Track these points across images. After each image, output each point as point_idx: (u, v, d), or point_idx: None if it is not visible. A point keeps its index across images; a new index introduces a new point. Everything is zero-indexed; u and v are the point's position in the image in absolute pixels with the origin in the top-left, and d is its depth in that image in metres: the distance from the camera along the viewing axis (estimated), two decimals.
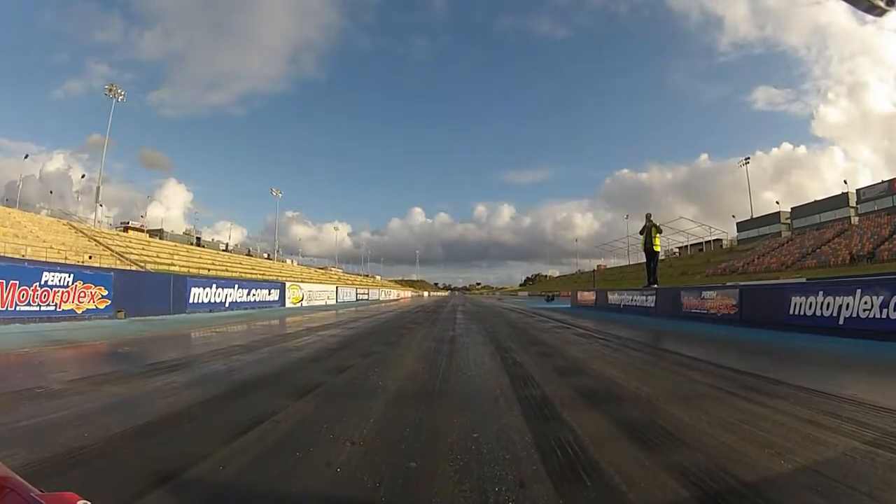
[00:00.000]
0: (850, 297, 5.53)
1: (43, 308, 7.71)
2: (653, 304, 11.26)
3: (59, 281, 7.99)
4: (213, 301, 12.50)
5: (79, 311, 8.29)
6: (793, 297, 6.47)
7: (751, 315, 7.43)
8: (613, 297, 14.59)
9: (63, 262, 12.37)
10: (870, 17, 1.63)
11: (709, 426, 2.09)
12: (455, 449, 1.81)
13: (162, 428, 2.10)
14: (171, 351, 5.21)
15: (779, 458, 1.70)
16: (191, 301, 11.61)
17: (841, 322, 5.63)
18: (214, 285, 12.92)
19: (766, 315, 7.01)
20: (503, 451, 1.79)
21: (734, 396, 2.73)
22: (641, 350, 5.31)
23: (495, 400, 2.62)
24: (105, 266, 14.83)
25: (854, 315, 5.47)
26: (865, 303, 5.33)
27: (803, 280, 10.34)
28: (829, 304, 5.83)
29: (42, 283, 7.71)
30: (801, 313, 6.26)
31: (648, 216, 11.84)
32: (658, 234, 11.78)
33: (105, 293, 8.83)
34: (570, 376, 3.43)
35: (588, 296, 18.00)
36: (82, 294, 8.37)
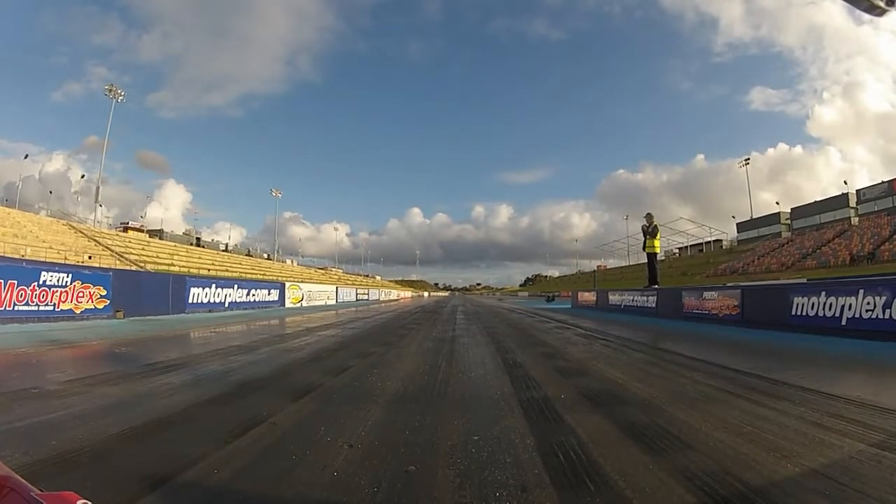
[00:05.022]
0: (853, 298, 5.49)
1: (41, 308, 7.69)
2: (654, 305, 11.21)
3: (58, 281, 7.96)
4: (212, 301, 12.48)
5: (77, 311, 8.27)
6: (795, 298, 6.43)
7: (753, 315, 7.39)
8: (614, 298, 14.55)
9: (62, 262, 12.32)
10: (867, 17, 1.60)
11: (713, 428, 2.06)
12: (455, 452, 1.77)
13: (157, 430, 2.07)
14: (169, 351, 5.18)
15: (785, 460, 1.67)
16: (190, 301, 11.59)
17: (843, 323, 5.59)
18: (214, 285, 12.90)
19: (768, 315, 6.97)
20: (504, 454, 1.75)
21: (738, 398, 2.70)
22: (643, 351, 5.28)
23: (496, 402, 2.59)
24: (104, 266, 14.80)
25: (857, 316, 5.44)
26: (868, 303, 5.30)
27: (804, 280, 10.30)
28: (831, 305, 5.79)
29: (40, 282, 7.69)
30: (804, 314, 6.23)
31: (649, 216, 11.80)
32: (653, 237, 11.70)
33: (104, 293, 8.81)
34: (571, 377, 3.39)
35: (589, 296, 17.96)
36: (81, 294, 8.34)
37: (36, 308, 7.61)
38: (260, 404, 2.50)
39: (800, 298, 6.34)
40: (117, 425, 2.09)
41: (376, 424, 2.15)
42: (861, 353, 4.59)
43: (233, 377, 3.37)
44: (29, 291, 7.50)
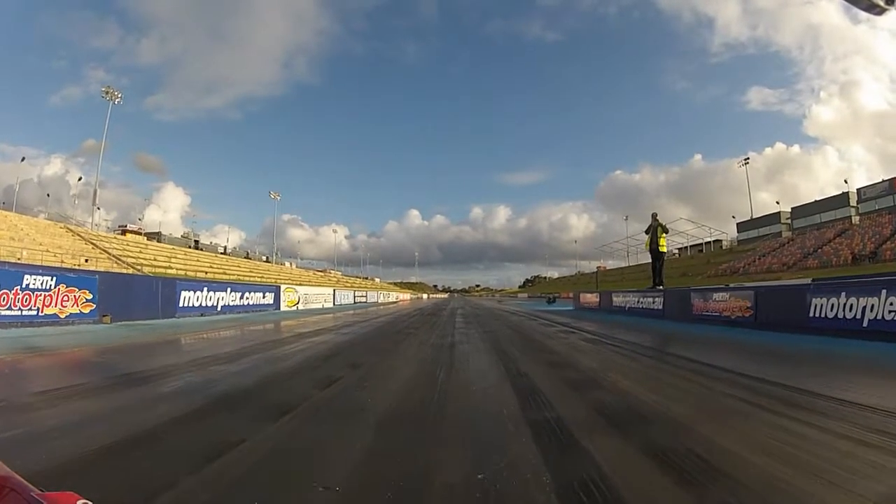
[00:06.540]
0: (875, 298, 5.22)
1: (24, 312, 7.39)
2: (661, 307, 10.91)
3: (41, 284, 7.67)
4: (203, 305, 12.15)
5: (62, 316, 7.96)
6: (813, 299, 6.15)
7: (767, 317, 7.10)
8: (618, 299, 14.26)
9: (46, 264, 12.01)
10: (864, 16, 1.36)
11: (747, 450, 1.82)
12: (455, 495, 1.47)
13: (110, 455, 1.77)
14: (151, 359, 4.88)
15: (834, 487, 1.44)
16: (181, 305, 11.28)
17: (865, 324, 5.32)
18: (206, 289, 12.58)
19: (783, 317, 6.69)
20: (513, 489, 1.46)
21: (767, 412, 2.45)
22: (656, 357, 5.01)
23: (502, 424, 2.26)
24: (90, 268, 14.50)
25: (879, 317, 5.17)
26: (891, 304, 5.02)
27: (809, 281, 10.03)
28: (851, 306, 5.51)
29: (23, 286, 7.40)
30: (823, 315, 5.94)
31: (654, 216, 11.55)
32: (664, 234, 11.49)
33: (90, 297, 8.49)
34: (583, 391, 3.08)
35: (592, 297, 17.67)
36: (66, 298, 8.04)
37: (19, 313, 7.31)
38: (231, 426, 2.21)
39: (818, 299, 6.06)
40: (79, 446, 1.86)
41: (362, 456, 1.83)
42: (888, 356, 4.32)
43: (211, 390, 3.08)
44: (11, 295, 7.20)
